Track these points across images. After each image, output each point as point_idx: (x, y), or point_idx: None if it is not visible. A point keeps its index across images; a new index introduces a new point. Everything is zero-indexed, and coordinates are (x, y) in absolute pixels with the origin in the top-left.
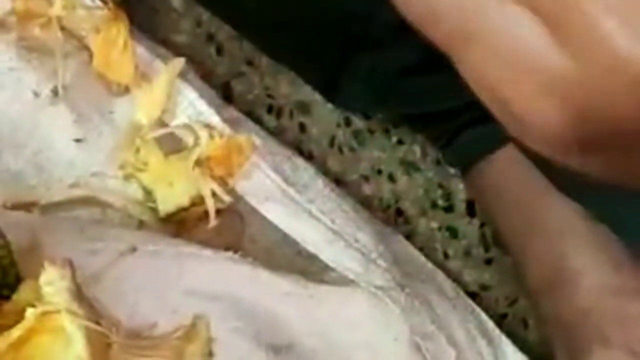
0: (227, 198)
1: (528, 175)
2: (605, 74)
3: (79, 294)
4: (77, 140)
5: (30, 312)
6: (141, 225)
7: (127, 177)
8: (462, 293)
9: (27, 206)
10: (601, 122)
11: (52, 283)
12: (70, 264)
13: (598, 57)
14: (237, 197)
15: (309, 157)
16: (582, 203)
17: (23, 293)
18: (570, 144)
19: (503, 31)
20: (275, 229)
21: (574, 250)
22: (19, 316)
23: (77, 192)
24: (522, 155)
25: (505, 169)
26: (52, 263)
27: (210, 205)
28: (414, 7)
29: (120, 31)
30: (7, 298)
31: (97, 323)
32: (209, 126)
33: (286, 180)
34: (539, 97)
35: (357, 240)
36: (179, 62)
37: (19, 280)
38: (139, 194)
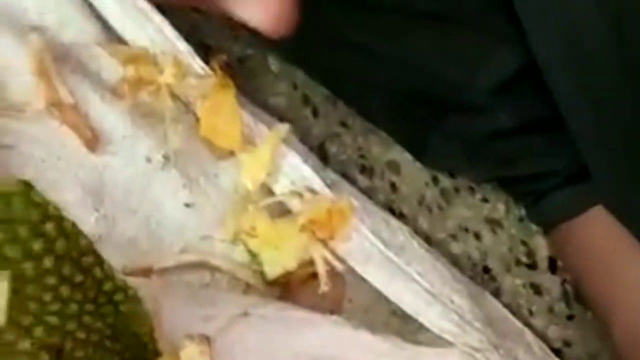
0: (338, 265)
1: (615, 233)
2: None
3: None
4: (187, 205)
5: None
6: (248, 288)
7: (234, 241)
8: (548, 351)
9: (144, 272)
10: None
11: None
12: (207, 340)
13: None
14: (339, 260)
15: (399, 216)
16: None
17: None
18: None
19: None
20: (371, 288)
21: None
22: None
23: (189, 257)
24: (608, 212)
25: (592, 226)
26: (190, 339)
27: (322, 271)
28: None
29: (227, 98)
30: None
31: None
32: (312, 190)
33: (384, 242)
34: None
35: (452, 302)
36: (284, 128)
37: (157, 354)
38: (245, 257)
